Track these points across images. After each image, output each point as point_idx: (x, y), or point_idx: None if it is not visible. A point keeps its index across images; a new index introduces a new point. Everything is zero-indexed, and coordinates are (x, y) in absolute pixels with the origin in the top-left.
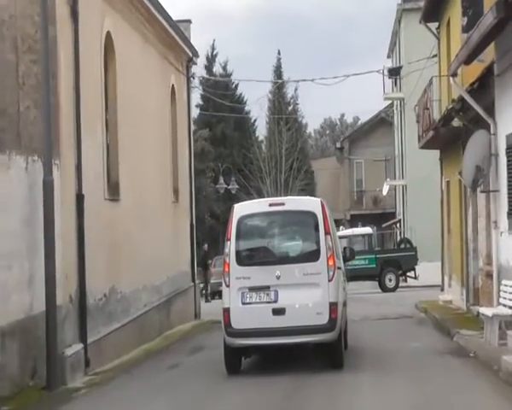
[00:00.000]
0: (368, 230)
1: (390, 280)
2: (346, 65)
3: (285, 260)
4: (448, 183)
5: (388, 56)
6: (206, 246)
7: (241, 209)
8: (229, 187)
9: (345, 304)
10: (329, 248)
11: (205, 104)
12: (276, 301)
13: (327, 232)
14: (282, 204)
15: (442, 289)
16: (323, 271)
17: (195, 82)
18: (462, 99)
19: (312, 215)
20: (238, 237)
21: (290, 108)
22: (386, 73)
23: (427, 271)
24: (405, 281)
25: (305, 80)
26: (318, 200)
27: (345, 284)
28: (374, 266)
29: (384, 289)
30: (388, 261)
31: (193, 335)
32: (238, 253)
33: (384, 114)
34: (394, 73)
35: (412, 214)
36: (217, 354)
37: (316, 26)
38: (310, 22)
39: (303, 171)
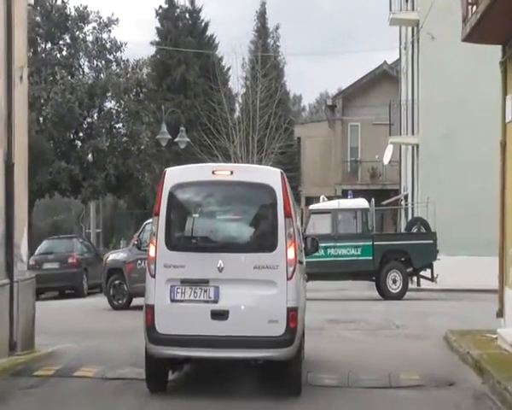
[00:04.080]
0: (362, 203)
1: (394, 281)
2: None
3: (231, 247)
4: None
5: None
6: None
7: (174, 176)
8: (177, 140)
9: (305, 307)
10: (290, 235)
11: (162, 41)
12: (216, 301)
13: (287, 215)
14: (230, 173)
15: (500, 315)
16: (281, 265)
17: None
18: None
19: (269, 190)
20: (170, 212)
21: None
22: None
23: (447, 269)
24: (418, 283)
25: None
26: (278, 171)
27: (305, 280)
28: (370, 258)
29: (385, 294)
30: (392, 252)
31: None
32: (169, 233)
33: (387, 66)
34: None
35: (426, 187)
36: None
37: (320, 7)
38: (315, 2)
39: (282, 129)
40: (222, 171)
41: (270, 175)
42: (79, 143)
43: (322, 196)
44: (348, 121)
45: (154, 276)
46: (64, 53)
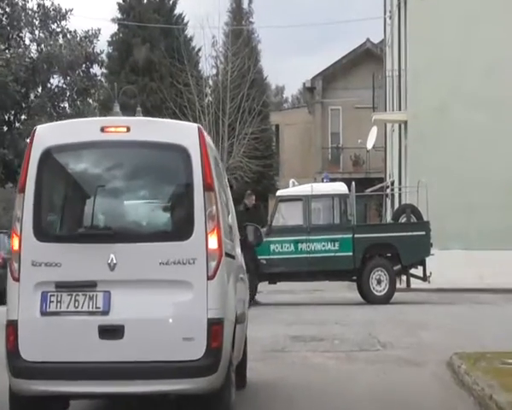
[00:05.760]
0: (340, 188)
1: (379, 282)
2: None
3: (127, 234)
4: None
5: None
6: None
7: (47, 136)
8: None
9: (243, 320)
10: (212, 216)
11: (124, 18)
12: (106, 313)
13: (208, 187)
14: (127, 129)
15: None
16: (199, 258)
17: None
18: None
19: (182, 153)
20: (39, 187)
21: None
22: None
23: (440, 265)
24: (407, 284)
25: None
26: (195, 126)
27: (244, 283)
28: (349, 253)
29: (368, 297)
30: (377, 247)
31: None
32: (38, 217)
33: (370, 44)
34: None
35: (416, 170)
36: None
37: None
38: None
39: (255, 112)
40: (115, 127)
41: (184, 132)
42: (19, 126)
43: (291, 180)
44: (328, 104)
45: (17, 279)
46: (3, 23)
